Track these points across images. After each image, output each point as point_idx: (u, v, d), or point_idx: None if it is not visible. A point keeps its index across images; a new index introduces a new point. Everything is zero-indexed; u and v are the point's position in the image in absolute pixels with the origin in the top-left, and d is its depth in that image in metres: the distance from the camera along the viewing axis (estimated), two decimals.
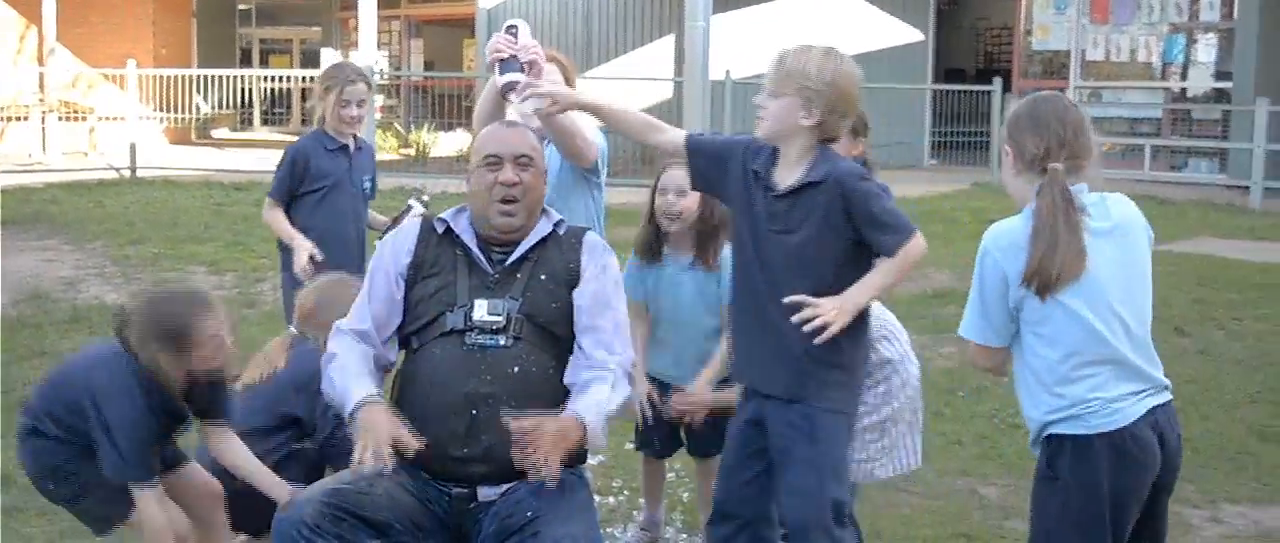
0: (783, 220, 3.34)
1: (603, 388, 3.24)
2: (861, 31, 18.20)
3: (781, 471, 3.39)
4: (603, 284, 3.42)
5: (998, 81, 16.33)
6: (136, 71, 18.12)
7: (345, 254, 5.17)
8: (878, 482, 4.06)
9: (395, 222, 4.91)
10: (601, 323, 3.36)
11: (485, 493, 3.24)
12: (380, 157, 16.16)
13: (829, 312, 3.20)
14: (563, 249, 3.45)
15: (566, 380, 3.31)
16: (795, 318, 3.22)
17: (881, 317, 3.82)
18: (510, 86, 3.75)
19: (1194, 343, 7.69)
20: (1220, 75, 16.45)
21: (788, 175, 3.36)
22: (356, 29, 24.53)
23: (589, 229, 3.61)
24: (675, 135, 3.57)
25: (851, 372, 3.41)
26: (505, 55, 3.74)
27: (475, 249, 3.40)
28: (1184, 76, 16.99)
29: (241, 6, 28.16)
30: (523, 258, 3.40)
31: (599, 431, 3.15)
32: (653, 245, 4.19)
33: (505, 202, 3.38)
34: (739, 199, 3.46)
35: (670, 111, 15.31)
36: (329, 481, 3.30)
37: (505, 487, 3.23)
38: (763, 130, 3.41)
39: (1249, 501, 5.26)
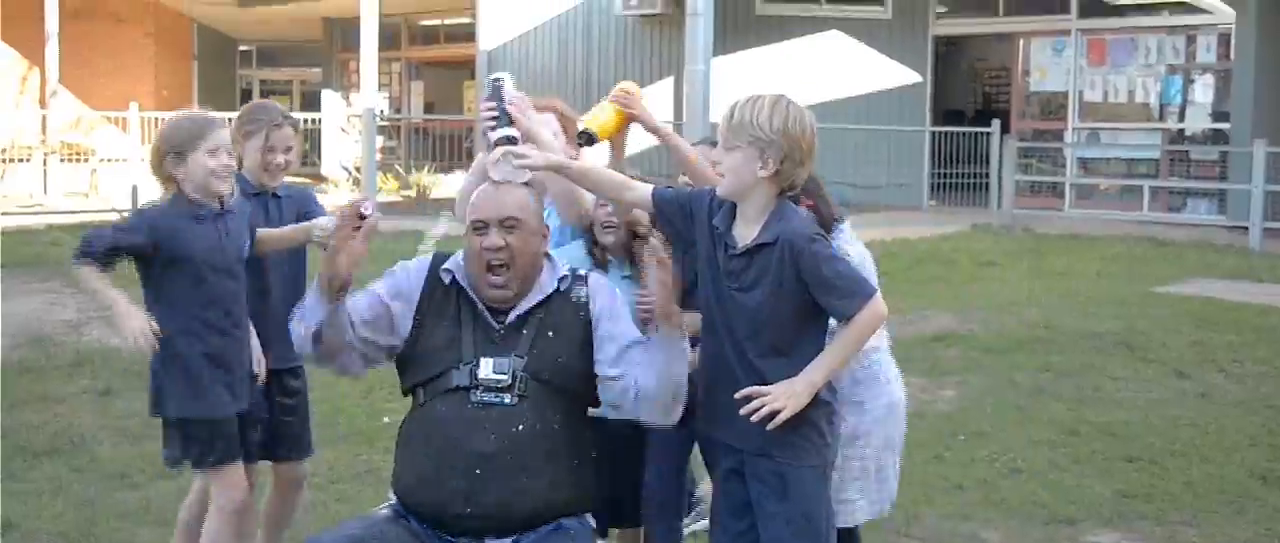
0: (739, 279, 3.33)
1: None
2: (860, 74, 18.30)
3: (760, 525, 3.39)
4: (615, 307, 3.43)
5: (996, 123, 16.39)
6: (139, 114, 18.19)
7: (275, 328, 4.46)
8: (877, 525, 4.07)
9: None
10: (623, 338, 3.37)
11: None
12: (381, 198, 16.25)
13: (778, 398, 3.21)
14: (571, 303, 3.40)
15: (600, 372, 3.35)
16: (743, 411, 3.23)
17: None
18: (501, 142, 3.67)
19: (1194, 385, 7.69)
20: (1218, 116, 16.52)
21: (746, 232, 3.35)
22: (357, 71, 24.69)
23: (592, 272, 3.59)
24: (644, 190, 3.55)
25: (818, 424, 3.37)
26: (495, 113, 3.68)
27: (481, 306, 3.36)
28: (1182, 118, 17.05)
29: (242, 48, 28.33)
30: (529, 313, 3.36)
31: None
32: (595, 255, 4.11)
33: (492, 269, 3.31)
34: (704, 253, 3.45)
35: (666, 154, 15.34)
36: (344, 527, 3.32)
37: (511, 538, 3.24)
38: (723, 188, 3.37)
39: None
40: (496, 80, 3.74)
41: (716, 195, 3.42)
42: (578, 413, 3.38)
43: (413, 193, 18.42)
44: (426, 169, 18.97)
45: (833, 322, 3.36)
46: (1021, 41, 18.31)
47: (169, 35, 24.03)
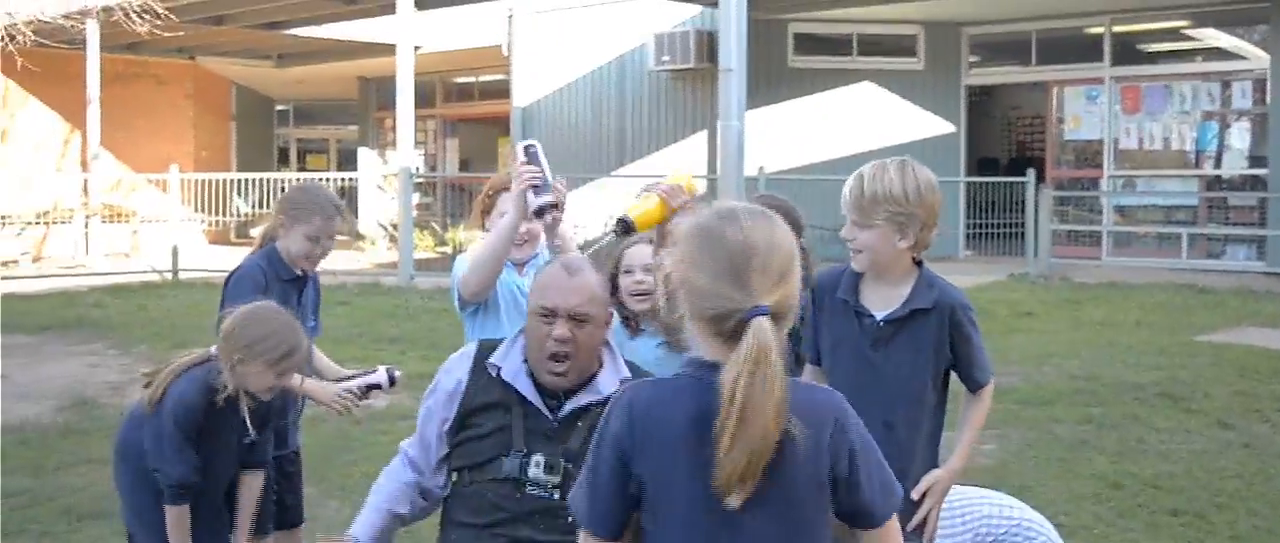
0: (886, 348, 3.26)
1: None
2: (894, 125, 18.31)
3: None
4: None
5: (1032, 172, 16.35)
6: (179, 176, 18.43)
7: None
8: None
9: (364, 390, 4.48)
10: None
11: None
12: (417, 255, 16.37)
13: (938, 490, 3.29)
14: None
15: None
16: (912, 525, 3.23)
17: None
18: (543, 208, 3.75)
19: (1238, 436, 7.60)
20: (1255, 161, 16.43)
21: (886, 299, 3.28)
22: (392, 128, 24.91)
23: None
24: None
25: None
26: (538, 180, 3.74)
27: (532, 397, 3.32)
28: (1218, 163, 16.96)
29: (279, 108, 28.64)
30: (586, 409, 3.29)
31: None
32: (629, 325, 4.04)
33: (555, 358, 3.26)
34: (836, 330, 3.36)
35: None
36: None
37: None
38: (861, 264, 3.30)
39: None
40: (531, 146, 3.79)
41: (822, 277, 3.39)
42: None
43: (449, 249, 18.54)
44: (462, 226, 19.08)
45: None
46: (1055, 90, 18.29)
47: (207, 96, 24.37)
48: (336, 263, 16.65)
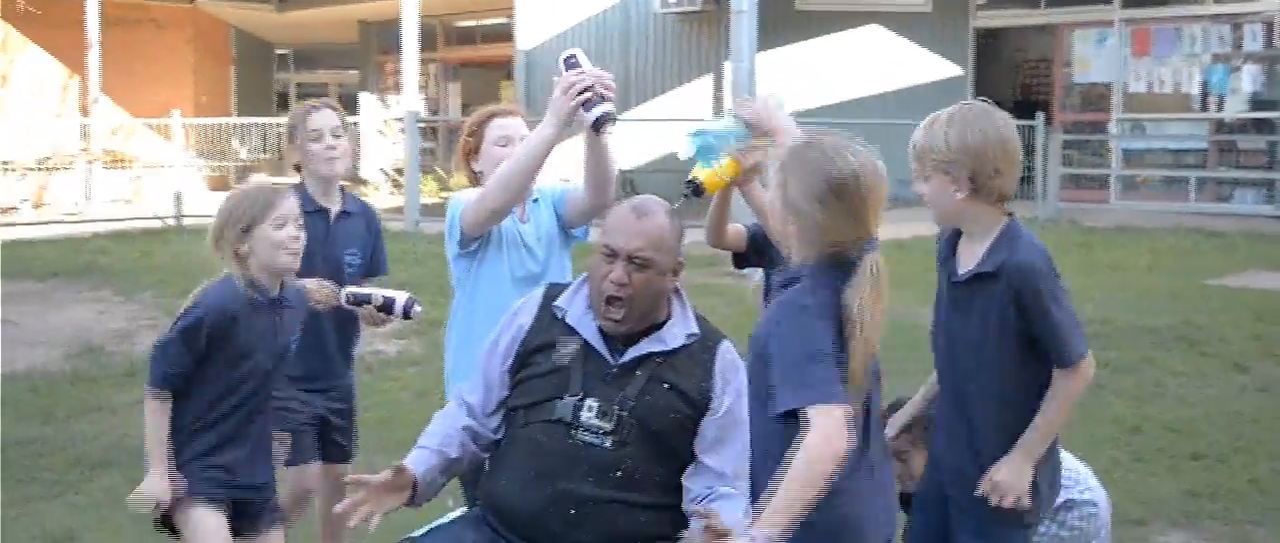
0: (962, 311, 3.13)
1: (739, 507, 3.06)
2: (900, 67, 18.18)
3: None
4: (737, 408, 3.21)
5: (1040, 115, 16.23)
6: (181, 121, 18.30)
7: (322, 362, 4.42)
8: None
9: (381, 309, 4.11)
10: (731, 443, 3.18)
11: None
12: (424, 200, 16.26)
13: (1005, 488, 3.06)
14: (695, 365, 3.22)
15: (688, 485, 3.16)
16: (987, 499, 3.09)
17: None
18: (604, 119, 3.46)
19: (1254, 380, 7.59)
20: (1264, 105, 16.33)
21: (969, 258, 3.13)
22: (394, 73, 24.73)
23: (725, 339, 3.34)
24: None
25: (1035, 482, 3.15)
26: (588, 92, 3.45)
27: (595, 342, 3.22)
28: (1225, 107, 16.85)
29: (279, 52, 28.44)
30: (647, 357, 3.21)
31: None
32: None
33: (611, 302, 3.17)
34: (939, 283, 3.26)
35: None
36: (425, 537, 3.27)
37: None
38: (934, 219, 3.20)
39: None
40: (572, 56, 3.53)
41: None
42: (680, 460, 3.20)
43: (453, 194, 18.43)
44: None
45: None
46: (1064, 32, 18.14)
47: (207, 41, 24.20)
48: None
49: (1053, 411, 3.07)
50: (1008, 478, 3.08)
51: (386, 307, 4.07)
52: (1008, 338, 3.05)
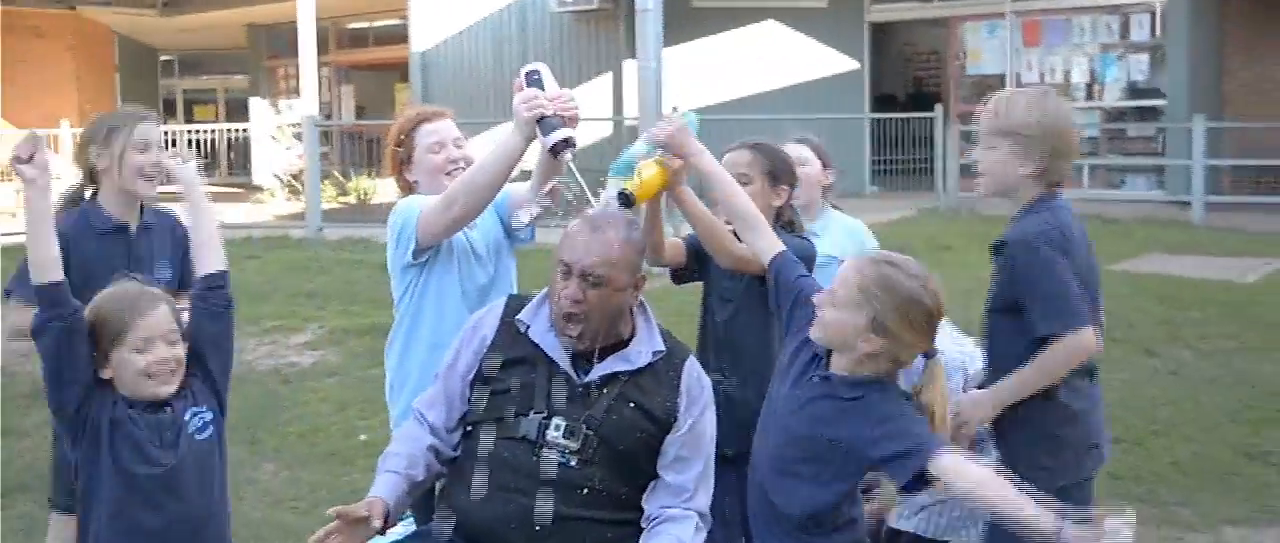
0: (995, 280, 3.25)
1: (687, 528, 3.09)
2: (798, 63, 18.31)
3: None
4: (701, 425, 3.20)
5: (939, 108, 16.45)
6: (71, 130, 17.82)
7: None
8: None
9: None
10: (692, 461, 3.17)
11: None
12: (324, 206, 16.00)
13: (963, 414, 3.23)
14: (661, 383, 3.19)
15: (645, 506, 3.15)
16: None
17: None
18: (563, 145, 3.36)
19: (1164, 364, 7.74)
20: (1152, 93, 16.72)
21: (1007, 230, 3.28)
22: (285, 77, 24.37)
23: (690, 354, 3.32)
24: (770, 247, 3.29)
25: (1033, 450, 3.25)
26: (546, 112, 3.36)
27: (560, 359, 3.17)
28: (1112, 96, 17.23)
29: (164, 58, 27.86)
30: (614, 376, 3.17)
31: None
32: None
33: (569, 318, 3.12)
34: None
35: (610, 151, 15.28)
36: None
37: None
38: (983, 187, 3.30)
39: (1247, 523, 5.29)
40: (534, 72, 3.43)
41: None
42: (645, 477, 3.19)
43: (352, 199, 18.17)
44: (365, 175, 18.72)
45: None
46: (956, 25, 18.41)
47: (89, 48, 23.63)
48: (237, 216, 16.26)
49: (1029, 371, 3.18)
50: (966, 405, 3.26)
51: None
52: (999, 300, 3.21)
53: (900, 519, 3.90)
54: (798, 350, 3.12)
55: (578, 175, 3.42)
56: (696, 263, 3.76)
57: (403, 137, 3.92)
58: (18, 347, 3.44)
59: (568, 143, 3.36)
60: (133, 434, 3.00)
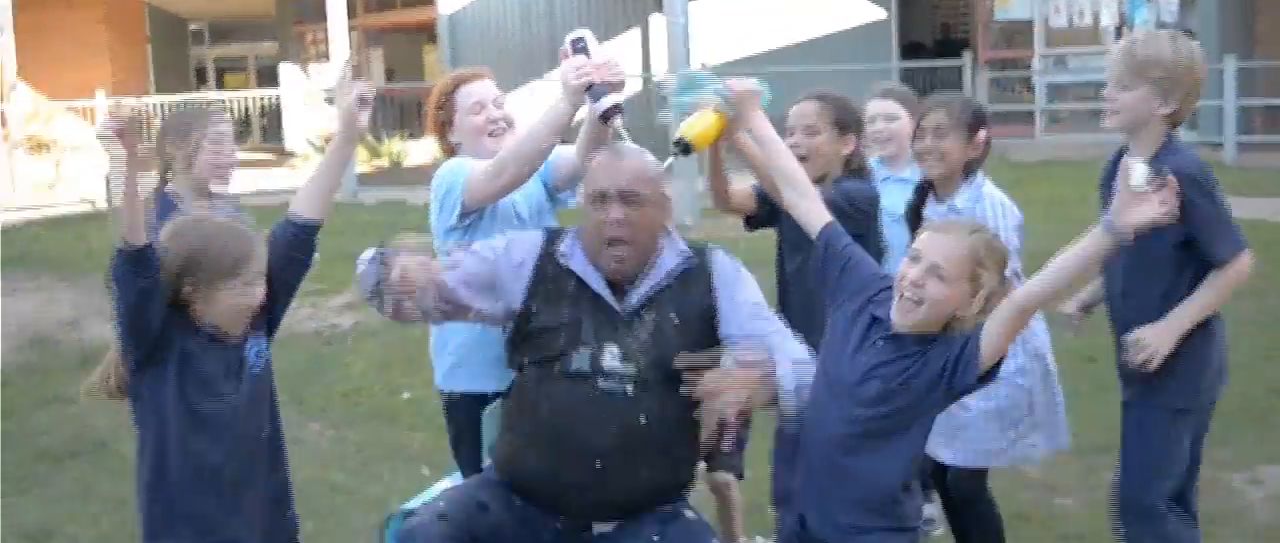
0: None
1: (795, 347, 3.19)
2: (823, 13, 18.24)
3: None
4: (743, 293, 3.30)
5: (967, 55, 16.39)
6: (105, 101, 17.97)
7: None
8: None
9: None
10: (763, 323, 3.26)
11: (601, 527, 3.22)
12: (359, 169, 16.11)
13: (1150, 345, 3.34)
14: (693, 283, 3.29)
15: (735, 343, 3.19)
16: (1127, 362, 3.39)
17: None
18: (613, 111, 3.39)
19: None
20: (1184, 34, 16.57)
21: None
22: (315, 42, 24.43)
23: (715, 249, 3.42)
24: (819, 213, 3.28)
25: (1174, 367, 3.41)
26: (593, 79, 3.39)
27: (601, 290, 3.25)
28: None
29: (193, 27, 27.97)
30: (651, 297, 3.25)
31: (789, 386, 3.09)
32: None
33: (613, 242, 3.21)
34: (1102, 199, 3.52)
35: (640, 108, 15.31)
36: (440, 502, 3.26)
37: (619, 521, 3.22)
38: (1115, 123, 3.42)
39: None
40: (579, 39, 3.46)
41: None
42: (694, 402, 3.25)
43: (386, 162, 18.27)
44: (397, 137, 18.82)
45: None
46: None
47: (120, 19, 23.69)
48: (269, 182, 16.38)
49: (1205, 294, 3.36)
50: (1151, 335, 3.36)
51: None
52: (1166, 235, 3.24)
53: (939, 449, 3.97)
54: (854, 318, 3.12)
55: (628, 138, 3.45)
56: (766, 209, 3.81)
57: (443, 99, 3.98)
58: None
59: (617, 109, 3.40)
60: (201, 370, 3.04)
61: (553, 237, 3.37)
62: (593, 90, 3.39)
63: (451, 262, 3.27)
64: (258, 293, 3.07)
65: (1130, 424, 3.55)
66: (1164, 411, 3.47)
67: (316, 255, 3.31)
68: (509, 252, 3.32)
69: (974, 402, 3.68)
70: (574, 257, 3.30)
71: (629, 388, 3.15)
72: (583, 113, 3.54)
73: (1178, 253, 3.35)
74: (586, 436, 3.13)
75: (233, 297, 3.03)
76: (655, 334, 3.21)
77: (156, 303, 2.96)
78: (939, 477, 4.15)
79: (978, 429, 3.89)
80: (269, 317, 3.20)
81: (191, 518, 3.08)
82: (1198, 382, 3.48)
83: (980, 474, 4.06)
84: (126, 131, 2.82)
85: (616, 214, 3.19)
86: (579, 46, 3.44)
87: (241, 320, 3.08)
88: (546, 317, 3.24)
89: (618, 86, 3.41)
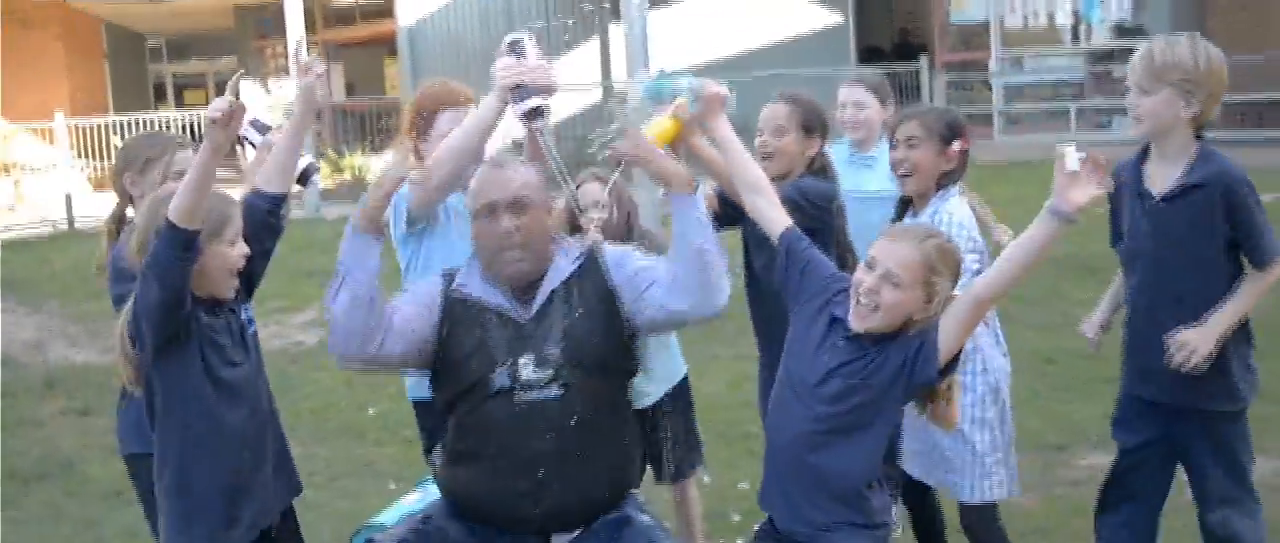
0: (1167, 224, 3.43)
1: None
2: (782, 19, 18.35)
3: (1195, 477, 3.66)
4: (631, 259, 3.35)
5: (924, 58, 16.52)
6: (65, 121, 17.85)
7: None
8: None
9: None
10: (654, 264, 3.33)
11: (559, 540, 3.27)
12: (321, 185, 16.09)
13: (1192, 345, 3.38)
14: (588, 276, 3.31)
15: (655, 298, 3.26)
16: (1169, 363, 3.40)
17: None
18: (535, 113, 3.36)
19: None
20: (1137, 32, 16.75)
21: (1164, 175, 3.44)
22: (274, 58, 24.34)
23: (604, 244, 3.44)
24: (781, 219, 3.30)
25: (1229, 370, 3.49)
26: (521, 80, 3.34)
27: (501, 303, 3.28)
28: (1095, 37, 17.23)
29: (151, 43, 27.81)
30: (552, 299, 3.29)
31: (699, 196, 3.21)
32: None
33: (506, 249, 3.24)
34: (1125, 209, 3.58)
35: (598, 116, 15.35)
36: (401, 529, 3.33)
37: (578, 532, 3.27)
38: (1141, 130, 3.47)
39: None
40: (516, 41, 3.42)
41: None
42: (622, 389, 3.36)
43: (348, 177, 18.25)
44: (358, 152, 18.80)
45: None
46: None
47: (77, 37, 23.53)
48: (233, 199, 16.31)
49: (1245, 296, 3.42)
50: (1195, 338, 3.40)
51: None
52: (1211, 241, 3.38)
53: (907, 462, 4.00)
54: (813, 319, 3.17)
55: (553, 147, 3.47)
56: (729, 210, 3.80)
57: (426, 112, 3.98)
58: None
59: (539, 111, 3.37)
60: (215, 340, 3.19)
61: (451, 276, 3.39)
62: (519, 91, 3.36)
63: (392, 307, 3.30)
64: (242, 250, 3.22)
65: (1196, 432, 3.58)
66: (1231, 412, 3.54)
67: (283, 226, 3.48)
68: (416, 298, 3.36)
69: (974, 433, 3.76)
70: (471, 282, 3.32)
71: (553, 391, 3.18)
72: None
73: (1226, 255, 3.44)
74: (523, 449, 3.17)
75: (219, 257, 3.17)
76: (566, 331, 3.23)
77: (189, 282, 3.09)
78: (908, 490, 4.15)
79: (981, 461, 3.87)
80: (245, 284, 3.35)
81: (224, 490, 3.22)
82: (1252, 378, 3.56)
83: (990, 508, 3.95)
84: (223, 121, 2.98)
85: (508, 224, 3.23)
86: (516, 49, 3.42)
87: (229, 282, 3.22)
88: (456, 349, 3.26)
89: (548, 91, 3.37)
